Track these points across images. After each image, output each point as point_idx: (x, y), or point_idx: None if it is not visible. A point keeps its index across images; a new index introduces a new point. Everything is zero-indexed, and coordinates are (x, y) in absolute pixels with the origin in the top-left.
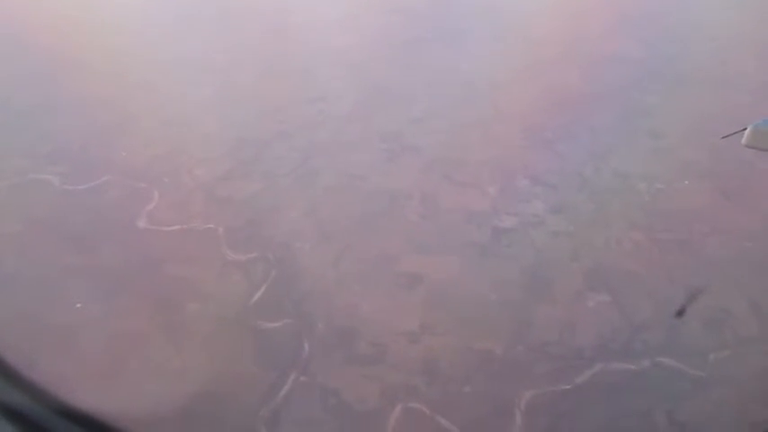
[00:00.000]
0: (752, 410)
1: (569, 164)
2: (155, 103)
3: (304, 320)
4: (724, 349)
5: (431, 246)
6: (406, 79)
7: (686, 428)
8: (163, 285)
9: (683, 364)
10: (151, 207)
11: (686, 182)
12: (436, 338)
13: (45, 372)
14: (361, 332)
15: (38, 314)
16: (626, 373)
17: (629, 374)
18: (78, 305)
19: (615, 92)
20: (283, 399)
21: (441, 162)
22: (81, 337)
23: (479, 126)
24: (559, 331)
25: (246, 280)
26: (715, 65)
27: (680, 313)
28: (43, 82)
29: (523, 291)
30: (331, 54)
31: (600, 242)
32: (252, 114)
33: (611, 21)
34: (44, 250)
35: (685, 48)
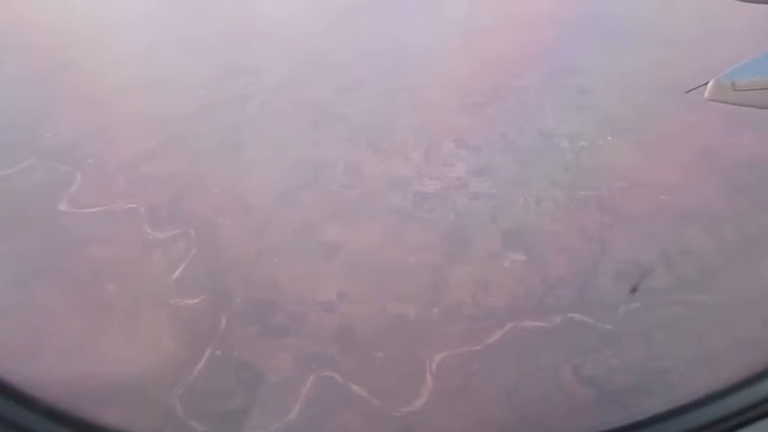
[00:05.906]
0: (656, 360)
1: (496, 126)
2: (79, 84)
3: (222, 296)
4: (634, 302)
5: (353, 214)
6: (339, 49)
7: (592, 382)
8: (83, 267)
9: (593, 318)
10: (73, 189)
11: (609, 138)
12: (352, 306)
13: None
14: (278, 304)
15: None
16: (537, 331)
17: (540, 332)
18: None
19: (546, 52)
20: (198, 373)
21: (366, 130)
22: (1, 320)
23: (409, 92)
24: (474, 292)
25: (166, 258)
26: (648, 22)
27: (633, 290)
28: None
29: (441, 254)
30: (262, 26)
31: (520, 202)
32: (177, 91)
33: None
34: None
35: (618, 5)
